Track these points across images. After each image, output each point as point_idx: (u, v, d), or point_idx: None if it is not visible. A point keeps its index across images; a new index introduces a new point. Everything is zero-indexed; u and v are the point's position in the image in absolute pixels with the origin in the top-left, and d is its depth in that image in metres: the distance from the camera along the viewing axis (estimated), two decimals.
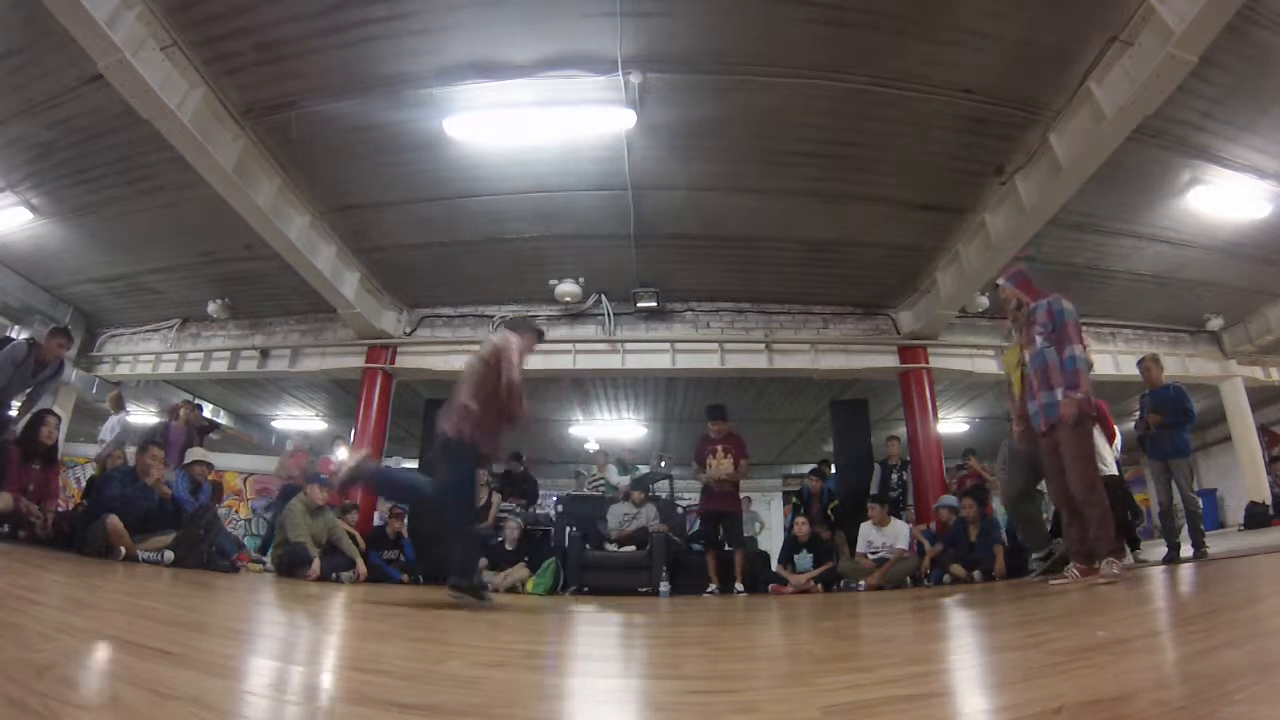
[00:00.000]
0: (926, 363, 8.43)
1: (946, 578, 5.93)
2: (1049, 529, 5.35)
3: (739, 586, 6.21)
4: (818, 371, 8.48)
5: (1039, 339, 3.95)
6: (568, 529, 7.50)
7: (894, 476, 7.70)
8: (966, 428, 12.37)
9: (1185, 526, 5.36)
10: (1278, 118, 5.45)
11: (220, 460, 8.89)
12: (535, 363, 8.49)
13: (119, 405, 8.20)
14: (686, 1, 4.53)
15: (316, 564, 5.76)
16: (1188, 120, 5.41)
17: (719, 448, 6.47)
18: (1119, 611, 2.28)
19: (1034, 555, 5.21)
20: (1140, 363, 5.86)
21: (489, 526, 7.53)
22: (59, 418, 5.78)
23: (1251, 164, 5.96)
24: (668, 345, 8.45)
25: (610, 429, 13.04)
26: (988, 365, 8.61)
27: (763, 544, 9.80)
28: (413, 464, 11.14)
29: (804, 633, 2.61)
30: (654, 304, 8.24)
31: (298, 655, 1.75)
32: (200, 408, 8.46)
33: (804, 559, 6.44)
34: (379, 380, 8.59)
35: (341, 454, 8.96)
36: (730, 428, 6.68)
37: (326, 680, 1.40)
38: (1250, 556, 4.52)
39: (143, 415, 11.38)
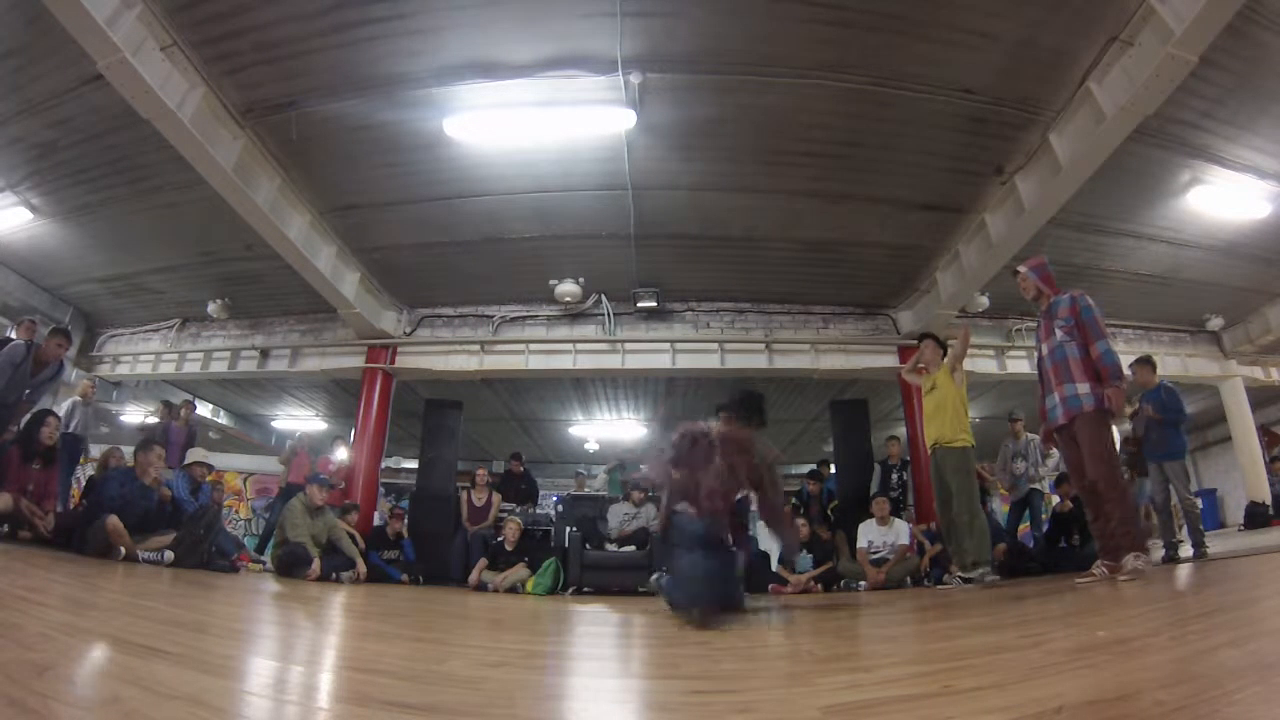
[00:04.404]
0: None
1: (946, 577, 5.92)
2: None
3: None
4: (818, 371, 8.48)
5: (1059, 332, 3.96)
6: (568, 529, 7.49)
7: (894, 476, 7.69)
8: None
9: (1184, 527, 5.36)
10: (1278, 117, 5.44)
11: (220, 460, 8.91)
12: (536, 363, 8.57)
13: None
14: (687, 1, 4.52)
15: (316, 564, 5.76)
16: (1188, 120, 5.40)
17: None
18: (1119, 611, 2.28)
19: (980, 570, 4.93)
20: (1130, 366, 5.85)
21: (489, 526, 7.53)
22: (59, 418, 5.78)
23: (1251, 164, 5.96)
24: (668, 345, 8.45)
25: (610, 429, 13.04)
26: (988, 365, 8.62)
27: (762, 544, 9.80)
28: (412, 464, 11.15)
29: (804, 633, 2.61)
30: (654, 304, 8.24)
31: (298, 655, 1.75)
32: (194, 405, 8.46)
33: (804, 559, 6.43)
34: (379, 380, 8.59)
35: (341, 454, 8.96)
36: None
37: (327, 680, 1.40)
38: (1250, 556, 4.52)
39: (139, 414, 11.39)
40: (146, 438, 7.13)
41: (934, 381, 5.40)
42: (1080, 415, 3.82)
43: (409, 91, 5.19)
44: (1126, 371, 4.76)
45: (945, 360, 5.47)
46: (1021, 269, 4.26)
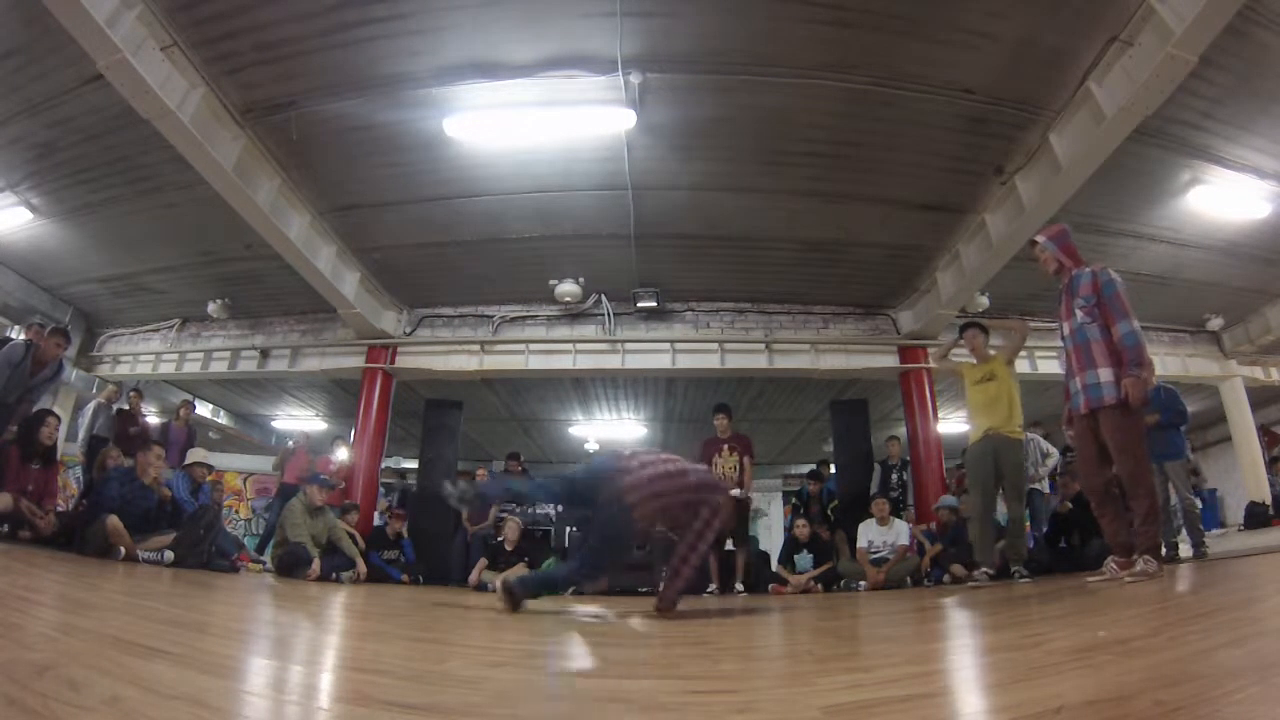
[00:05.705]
0: (927, 362, 8.43)
1: (946, 577, 5.93)
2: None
3: (739, 586, 6.21)
4: (818, 371, 8.48)
5: (1080, 312, 3.61)
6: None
7: (894, 476, 7.70)
8: (967, 428, 12.33)
9: (1184, 527, 5.36)
10: (1278, 117, 5.45)
11: (220, 460, 8.91)
12: (536, 363, 8.57)
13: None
14: (687, 1, 4.53)
15: (316, 564, 5.76)
16: (1188, 120, 5.41)
17: (725, 447, 6.48)
18: (1119, 611, 2.28)
19: (981, 569, 4.96)
20: None
21: (488, 526, 7.53)
22: (59, 418, 5.78)
23: (1251, 164, 5.96)
24: (668, 345, 8.45)
25: (610, 429, 13.04)
26: None
27: (763, 543, 9.81)
28: (412, 464, 11.16)
29: (804, 633, 2.61)
30: (654, 304, 8.24)
31: (298, 655, 1.75)
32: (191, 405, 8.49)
33: (804, 559, 6.44)
34: (379, 380, 8.59)
35: (341, 454, 8.96)
36: (736, 428, 6.71)
37: (326, 680, 1.40)
38: (1250, 556, 4.52)
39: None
40: (139, 436, 7.14)
41: (990, 371, 5.22)
42: (1103, 409, 3.49)
43: (409, 91, 5.19)
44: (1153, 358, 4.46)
45: (1000, 353, 5.33)
46: (1039, 238, 3.87)
